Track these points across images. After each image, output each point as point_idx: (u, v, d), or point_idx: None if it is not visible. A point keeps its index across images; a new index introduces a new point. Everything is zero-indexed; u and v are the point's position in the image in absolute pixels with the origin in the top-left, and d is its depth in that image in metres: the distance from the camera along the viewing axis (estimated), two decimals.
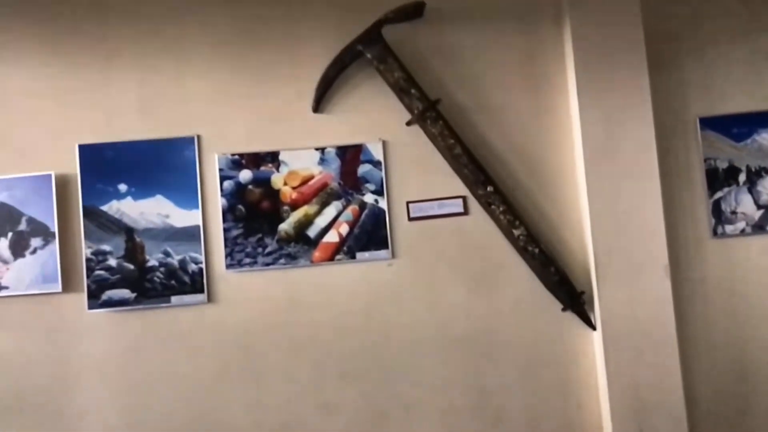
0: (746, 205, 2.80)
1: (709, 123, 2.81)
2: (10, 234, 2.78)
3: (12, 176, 2.79)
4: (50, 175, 2.77)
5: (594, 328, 2.75)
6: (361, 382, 2.79)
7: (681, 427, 2.65)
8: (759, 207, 2.79)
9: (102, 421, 2.76)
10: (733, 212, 2.80)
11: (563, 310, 2.76)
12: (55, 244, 2.77)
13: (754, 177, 2.80)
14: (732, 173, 2.80)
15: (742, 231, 2.80)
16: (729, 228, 2.80)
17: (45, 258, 2.77)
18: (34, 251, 2.78)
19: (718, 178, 2.81)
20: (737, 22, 2.89)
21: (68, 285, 2.77)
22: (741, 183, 2.80)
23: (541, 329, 2.80)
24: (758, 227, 2.79)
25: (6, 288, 2.77)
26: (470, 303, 2.81)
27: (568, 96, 2.82)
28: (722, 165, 2.81)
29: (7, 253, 2.78)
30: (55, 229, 2.77)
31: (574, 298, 2.74)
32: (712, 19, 2.89)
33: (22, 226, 2.78)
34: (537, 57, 2.86)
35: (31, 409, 2.76)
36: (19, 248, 2.78)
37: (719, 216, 2.80)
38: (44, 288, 2.76)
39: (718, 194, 2.81)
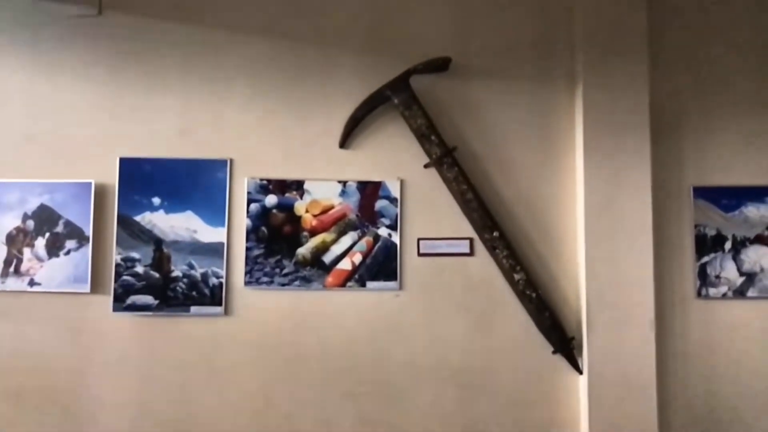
0: (730, 271, 3.02)
1: (702, 192, 3.04)
2: (47, 234, 2.99)
3: (55, 181, 3.00)
4: (90, 183, 2.99)
5: (581, 372, 2.95)
6: (361, 403, 2.98)
7: None
8: (741, 274, 3.01)
9: (117, 417, 2.95)
10: (717, 276, 3.02)
11: (554, 353, 2.96)
12: (89, 248, 2.97)
13: (738, 246, 3.02)
14: (719, 241, 3.03)
15: (724, 295, 3.01)
16: (712, 291, 3.02)
17: (77, 260, 2.97)
18: (68, 252, 2.98)
19: (706, 244, 3.03)
20: (736, 100, 3.11)
21: (96, 287, 2.97)
22: (726, 250, 3.03)
23: (532, 369, 3.00)
24: (739, 292, 3.00)
25: (38, 284, 2.97)
26: (468, 338, 3.01)
27: (574, 155, 3.05)
28: (711, 232, 3.03)
29: (42, 252, 2.98)
30: (90, 233, 2.98)
31: (564, 343, 2.94)
32: (712, 96, 3.11)
33: (60, 228, 2.99)
34: (549, 117, 3.09)
35: (51, 400, 2.95)
36: (54, 248, 2.98)
37: (704, 279, 3.02)
38: (74, 287, 2.97)
39: (705, 258, 3.03)
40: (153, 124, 3.06)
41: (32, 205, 2.99)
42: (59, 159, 3.03)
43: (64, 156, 3.03)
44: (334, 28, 3.10)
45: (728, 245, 3.02)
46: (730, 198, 3.04)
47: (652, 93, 2.98)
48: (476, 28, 3.10)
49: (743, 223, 3.03)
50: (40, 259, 2.98)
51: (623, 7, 2.98)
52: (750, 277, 3.01)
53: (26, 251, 2.98)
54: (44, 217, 2.99)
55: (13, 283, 2.97)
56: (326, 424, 2.96)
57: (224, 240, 3.01)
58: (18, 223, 2.99)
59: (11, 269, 2.97)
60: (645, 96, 2.97)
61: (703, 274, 3.02)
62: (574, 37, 3.07)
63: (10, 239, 2.99)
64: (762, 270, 3.01)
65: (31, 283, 2.97)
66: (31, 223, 2.99)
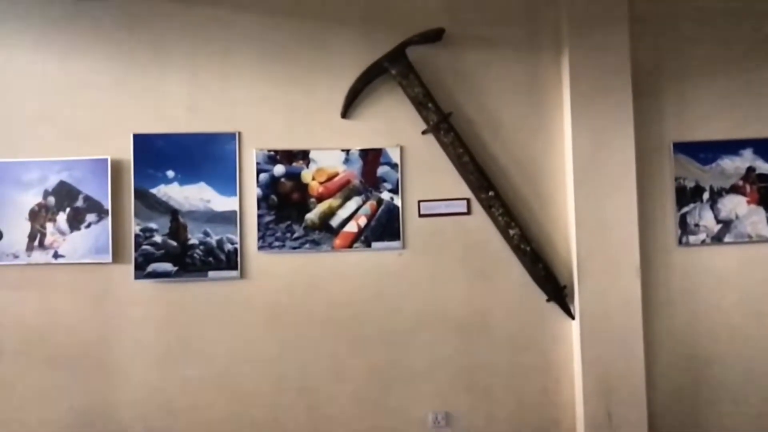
0: (708, 220, 3.25)
1: (681, 147, 3.26)
2: (68, 209, 3.15)
3: (73, 158, 3.16)
4: (107, 159, 3.15)
5: (573, 317, 3.18)
6: (370, 355, 3.21)
7: (641, 406, 3.09)
8: (718, 222, 3.25)
9: (140, 377, 3.16)
10: (697, 225, 3.25)
11: (548, 300, 3.19)
12: (108, 221, 3.14)
13: (715, 196, 3.25)
14: (697, 192, 3.26)
15: (703, 241, 3.25)
16: (692, 238, 3.25)
17: (98, 232, 3.15)
18: (88, 225, 3.15)
19: (686, 195, 3.25)
20: (711, 60, 3.31)
21: (118, 257, 3.15)
22: (704, 201, 3.26)
23: (528, 317, 3.23)
24: (716, 239, 3.25)
25: (62, 256, 3.14)
26: (468, 291, 3.23)
27: (562, 116, 3.24)
28: (690, 184, 3.26)
29: (64, 226, 3.15)
30: (109, 207, 3.14)
31: (557, 291, 3.17)
32: (689, 57, 3.31)
33: (80, 202, 3.15)
34: (537, 81, 3.28)
35: (77, 362, 3.16)
36: (75, 222, 3.15)
37: (685, 228, 3.25)
38: (96, 258, 3.14)
39: (685, 209, 3.26)
40: (163, 101, 3.21)
41: (52, 182, 3.15)
42: (75, 137, 3.18)
43: (79, 134, 3.18)
44: (333, 4, 3.25)
45: (706, 196, 3.25)
46: (707, 152, 3.26)
47: (633, 55, 3.17)
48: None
49: (719, 174, 3.26)
50: (62, 233, 3.15)
51: None
52: (726, 225, 3.25)
53: (49, 226, 3.15)
54: (64, 193, 3.15)
55: (38, 256, 3.14)
56: (338, 375, 3.19)
57: (237, 208, 3.19)
58: (39, 199, 3.15)
59: (36, 243, 3.14)
60: (626, 58, 3.15)
61: (683, 224, 3.25)
62: (559, 5, 3.24)
63: (33, 215, 3.15)
64: (737, 217, 3.25)
65: (56, 255, 3.14)
66: (52, 199, 3.15)
